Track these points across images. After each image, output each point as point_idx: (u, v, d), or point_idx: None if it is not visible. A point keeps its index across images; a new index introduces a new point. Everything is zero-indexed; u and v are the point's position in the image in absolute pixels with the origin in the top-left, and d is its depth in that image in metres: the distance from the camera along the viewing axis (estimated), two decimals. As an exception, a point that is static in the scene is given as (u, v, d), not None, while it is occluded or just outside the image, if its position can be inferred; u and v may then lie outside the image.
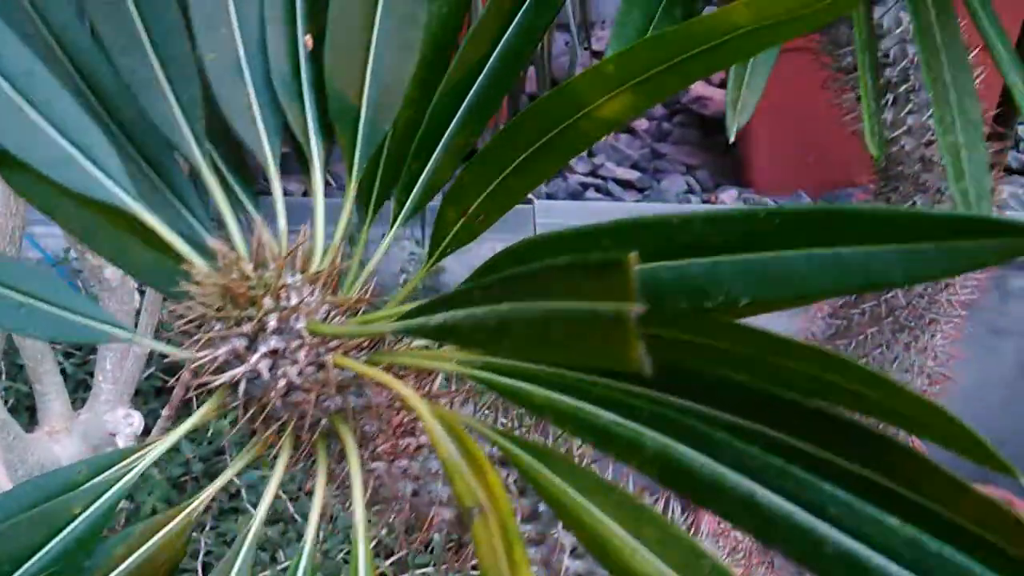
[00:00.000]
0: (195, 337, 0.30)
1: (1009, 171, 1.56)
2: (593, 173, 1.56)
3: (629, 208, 1.44)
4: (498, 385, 0.32)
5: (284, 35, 0.33)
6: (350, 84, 0.33)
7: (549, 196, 1.48)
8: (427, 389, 0.39)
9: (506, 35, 0.35)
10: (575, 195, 1.48)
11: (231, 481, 0.63)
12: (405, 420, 0.39)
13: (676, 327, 0.30)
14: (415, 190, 0.35)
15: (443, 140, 0.35)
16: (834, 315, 0.65)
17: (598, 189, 1.50)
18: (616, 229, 0.29)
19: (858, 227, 0.26)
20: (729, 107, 0.30)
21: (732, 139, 0.33)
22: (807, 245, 0.26)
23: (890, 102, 0.53)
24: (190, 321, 0.31)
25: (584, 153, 1.60)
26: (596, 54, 1.86)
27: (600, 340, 0.20)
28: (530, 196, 1.48)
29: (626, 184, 1.51)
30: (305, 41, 0.33)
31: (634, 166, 1.58)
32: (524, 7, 0.35)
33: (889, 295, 0.60)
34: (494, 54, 0.35)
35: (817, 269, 0.26)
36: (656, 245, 0.28)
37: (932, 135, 0.53)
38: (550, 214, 1.45)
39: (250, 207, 0.36)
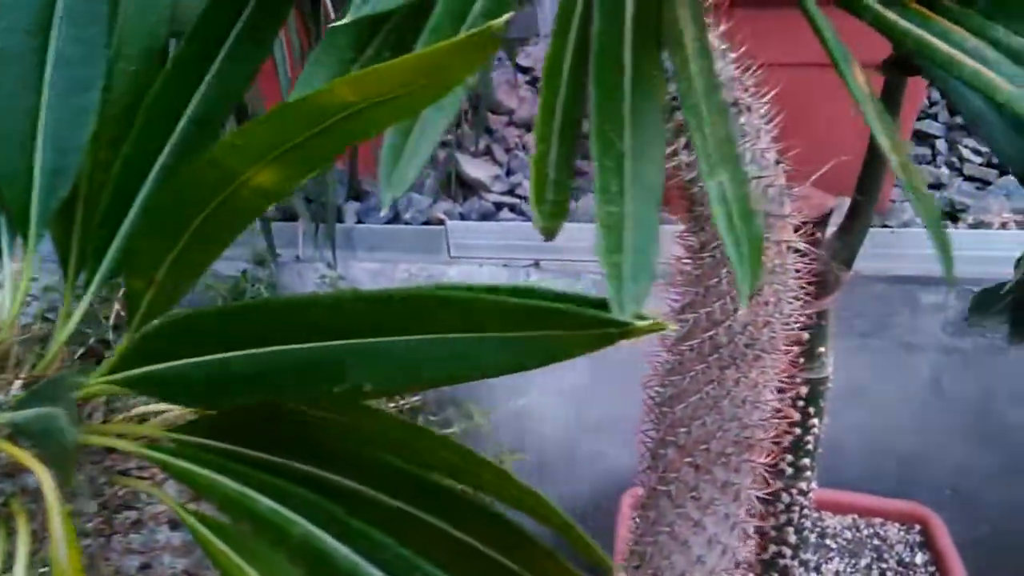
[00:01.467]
0: None
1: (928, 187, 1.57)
2: (511, 192, 1.55)
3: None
4: (169, 466, 0.31)
5: (-54, 98, 0.31)
6: (17, 148, 0.31)
7: (462, 216, 1.47)
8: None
9: (202, 85, 0.33)
10: (488, 215, 1.47)
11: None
12: (120, 493, 0.38)
13: (322, 409, 0.29)
14: (106, 258, 0.34)
15: (136, 203, 0.34)
16: (671, 350, 0.64)
17: (512, 209, 1.49)
18: (244, 310, 0.27)
19: (468, 315, 0.25)
20: (383, 179, 0.29)
21: (384, 214, 0.31)
22: (420, 331, 0.25)
23: (682, 144, 0.52)
24: None
25: (502, 172, 1.59)
26: (524, 69, 1.85)
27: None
28: (442, 216, 1.46)
29: (540, 203, 1.50)
30: (-28, 104, 0.32)
31: (553, 184, 1.57)
32: (221, 54, 0.33)
33: (711, 332, 0.59)
34: (188, 109, 0.33)
35: (429, 357, 0.25)
36: (283, 327, 0.27)
37: (728, 176, 0.53)
38: (463, 235, 1.44)
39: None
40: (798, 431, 1.08)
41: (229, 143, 0.28)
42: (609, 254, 0.28)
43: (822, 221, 0.87)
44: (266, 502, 0.29)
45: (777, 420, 0.64)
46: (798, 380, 0.96)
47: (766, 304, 0.56)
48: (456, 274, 1.47)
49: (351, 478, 0.29)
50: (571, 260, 1.45)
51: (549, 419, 1.57)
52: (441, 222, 1.44)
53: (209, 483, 0.30)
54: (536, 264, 1.46)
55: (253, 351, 0.27)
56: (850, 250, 0.95)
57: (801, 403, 1.04)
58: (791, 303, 0.58)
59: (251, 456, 0.30)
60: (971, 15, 0.34)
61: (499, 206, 1.48)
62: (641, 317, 0.28)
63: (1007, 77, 0.32)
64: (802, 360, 0.91)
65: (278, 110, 0.27)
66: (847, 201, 0.90)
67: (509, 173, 1.59)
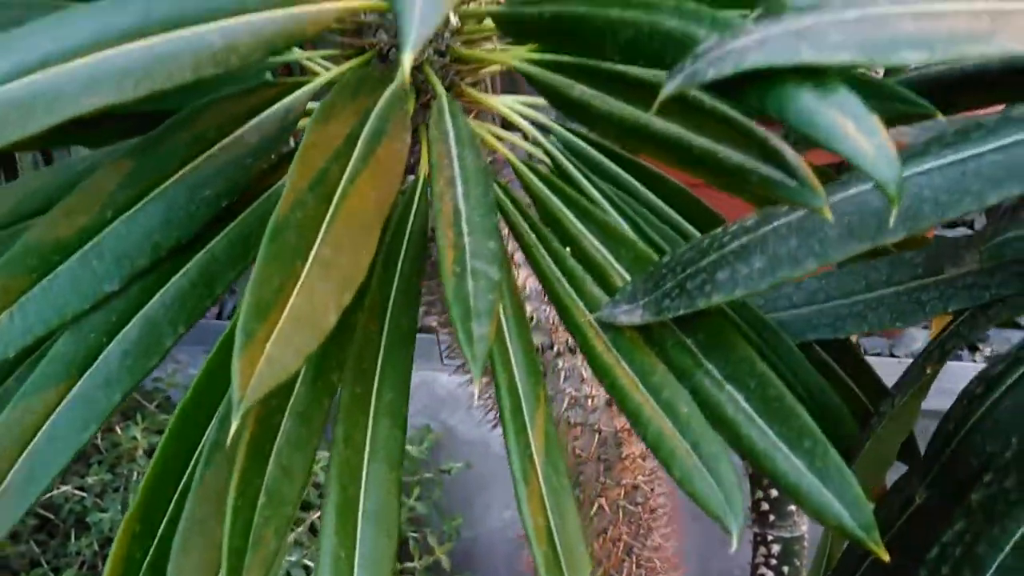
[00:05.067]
0: None
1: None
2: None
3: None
4: None
5: None
6: None
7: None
8: None
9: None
10: (479, 324, 1.45)
11: None
12: None
13: None
14: None
15: None
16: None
17: (506, 318, 1.46)
18: None
19: None
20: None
21: None
22: None
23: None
24: None
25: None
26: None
27: None
28: (434, 324, 1.46)
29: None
30: None
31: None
32: None
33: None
34: None
35: None
36: None
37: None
38: (455, 341, 1.42)
39: None
40: (774, 590, 1.02)
41: None
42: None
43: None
44: None
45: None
46: (770, 538, 0.91)
47: (614, 542, 0.52)
48: (447, 380, 1.45)
49: None
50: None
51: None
52: (433, 330, 1.43)
53: None
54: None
55: None
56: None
57: (774, 562, 1.00)
58: (645, 542, 0.53)
59: None
60: (686, 351, 0.31)
61: (494, 314, 1.46)
62: None
63: (693, 442, 0.29)
64: (773, 518, 0.88)
65: None
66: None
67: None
